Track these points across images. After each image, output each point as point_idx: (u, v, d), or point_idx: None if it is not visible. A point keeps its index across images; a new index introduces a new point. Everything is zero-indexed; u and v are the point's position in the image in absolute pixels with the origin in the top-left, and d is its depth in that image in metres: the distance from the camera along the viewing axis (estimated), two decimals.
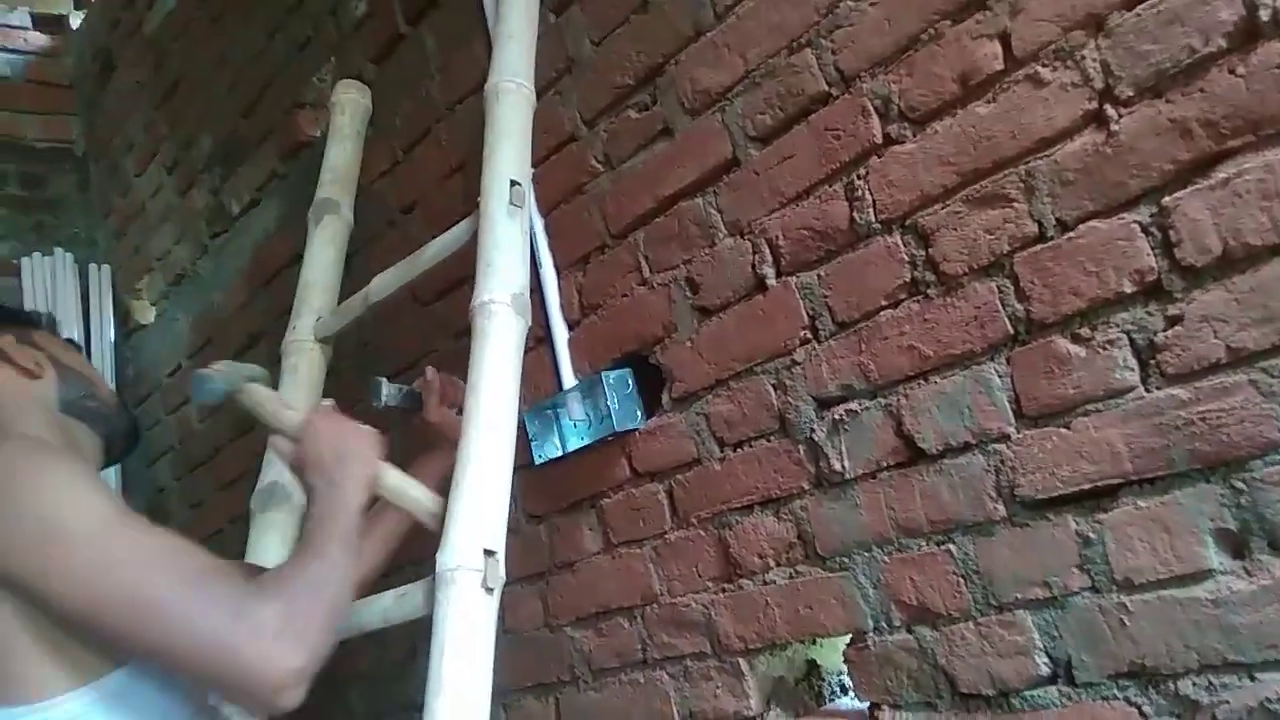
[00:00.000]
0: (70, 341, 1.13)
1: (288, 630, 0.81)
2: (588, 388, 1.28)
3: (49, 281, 2.63)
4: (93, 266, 2.71)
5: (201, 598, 0.81)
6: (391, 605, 1.02)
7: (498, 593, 0.97)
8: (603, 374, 1.26)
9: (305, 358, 1.40)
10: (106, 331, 2.64)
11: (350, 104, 1.63)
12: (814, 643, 1.16)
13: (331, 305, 1.46)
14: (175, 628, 0.80)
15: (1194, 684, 0.81)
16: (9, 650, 0.81)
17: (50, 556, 0.79)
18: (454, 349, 1.54)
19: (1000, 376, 0.92)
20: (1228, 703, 0.79)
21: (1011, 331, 0.91)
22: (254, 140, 2.05)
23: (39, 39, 2.94)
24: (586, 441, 1.28)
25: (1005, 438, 0.92)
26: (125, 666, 0.85)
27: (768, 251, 1.12)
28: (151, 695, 0.86)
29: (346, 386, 1.77)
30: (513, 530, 1.42)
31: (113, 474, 2.47)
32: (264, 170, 2.02)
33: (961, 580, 0.95)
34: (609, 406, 1.23)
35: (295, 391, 1.38)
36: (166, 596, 0.81)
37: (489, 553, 0.96)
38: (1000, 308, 0.92)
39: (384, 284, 1.34)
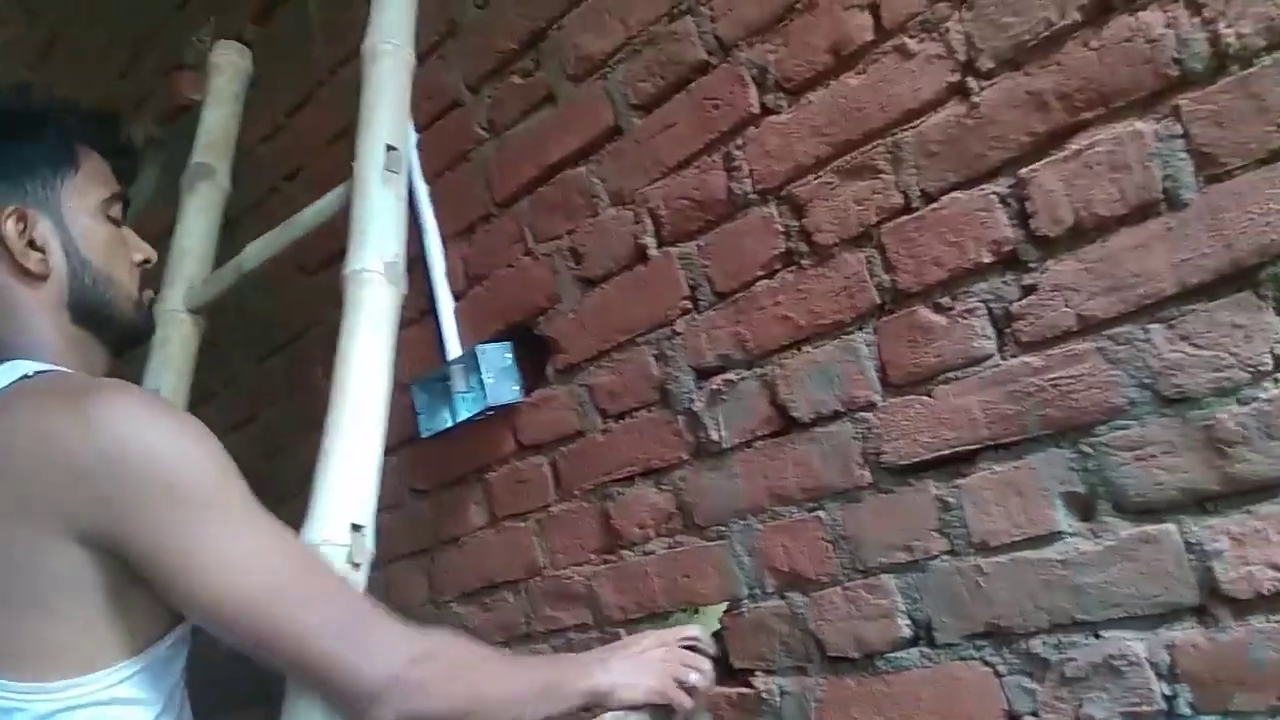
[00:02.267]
0: (119, 176, 0.95)
1: (399, 698, 0.74)
2: (469, 359, 1.26)
3: None
4: None
5: (332, 624, 0.75)
6: None
7: (365, 568, 0.94)
8: (477, 347, 1.24)
9: (177, 329, 1.35)
10: None
11: (229, 65, 1.56)
12: (695, 612, 1.16)
13: (204, 275, 1.40)
14: (296, 642, 0.74)
15: (1044, 643, 0.83)
16: (61, 618, 0.75)
17: (174, 530, 0.73)
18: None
19: (868, 346, 0.93)
20: (1074, 660, 0.81)
21: (879, 301, 0.92)
22: (131, 103, 1.96)
23: None
24: (472, 413, 1.26)
25: (871, 406, 0.93)
26: (171, 634, 0.80)
27: (649, 221, 1.11)
28: (181, 661, 0.82)
29: (224, 359, 1.71)
30: (398, 506, 1.40)
31: None
32: (140, 135, 1.92)
33: (830, 546, 0.97)
34: (483, 380, 1.21)
35: (166, 365, 1.32)
36: (300, 611, 0.74)
37: (356, 527, 0.93)
38: (869, 278, 0.93)
39: (257, 251, 1.30)
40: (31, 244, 0.86)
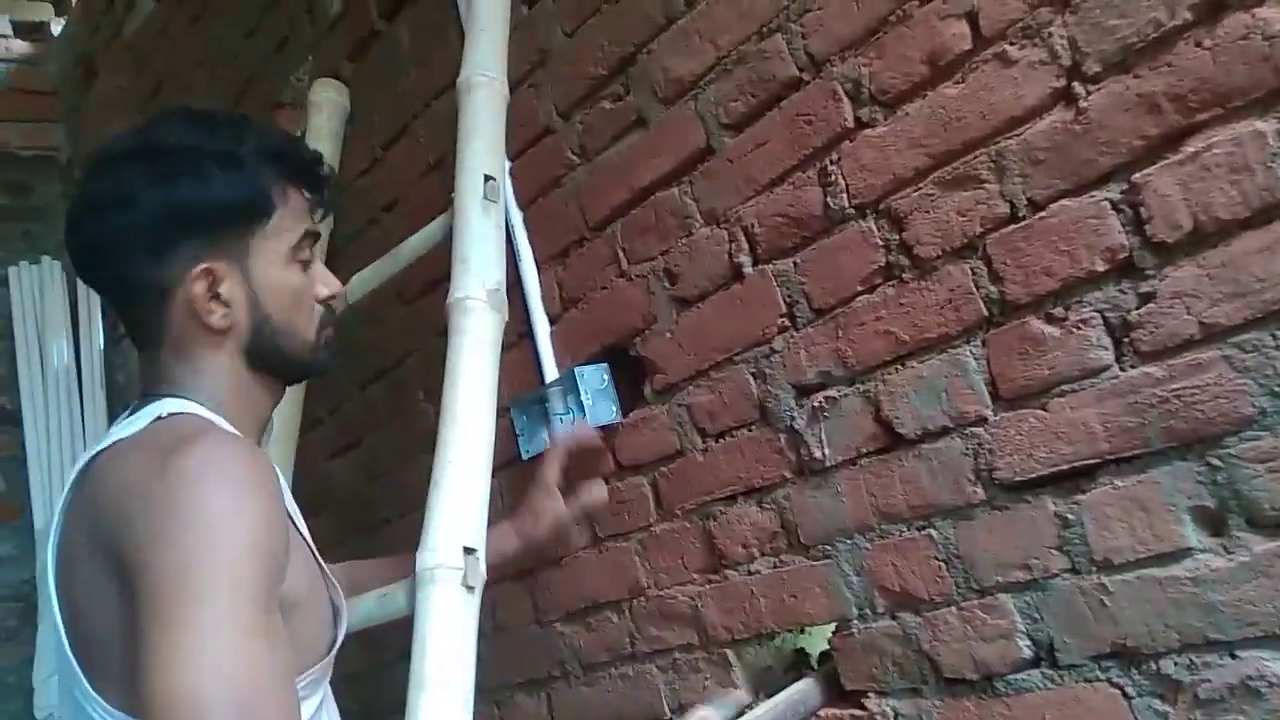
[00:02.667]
0: (318, 211, 0.95)
1: None
2: (566, 382, 1.27)
3: (37, 290, 2.63)
4: None
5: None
6: (374, 607, 1.02)
7: (479, 590, 0.96)
8: (575, 369, 1.25)
9: None
10: (96, 339, 2.64)
11: (328, 103, 1.63)
12: (801, 632, 1.15)
13: None
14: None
15: (1175, 663, 0.80)
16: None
17: (164, 611, 0.69)
18: (437, 346, 1.52)
19: (976, 359, 0.92)
20: (1209, 681, 0.78)
21: (986, 314, 0.91)
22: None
23: (20, 46, 2.93)
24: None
25: (982, 420, 0.91)
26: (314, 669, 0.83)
27: (744, 240, 1.11)
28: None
29: (330, 387, 1.76)
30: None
31: None
32: None
33: (943, 565, 0.95)
34: (582, 402, 1.23)
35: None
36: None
37: (469, 550, 0.95)
38: (974, 290, 0.91)
39: (362, 283, 1.34)
40: (217, 297, 0.87)
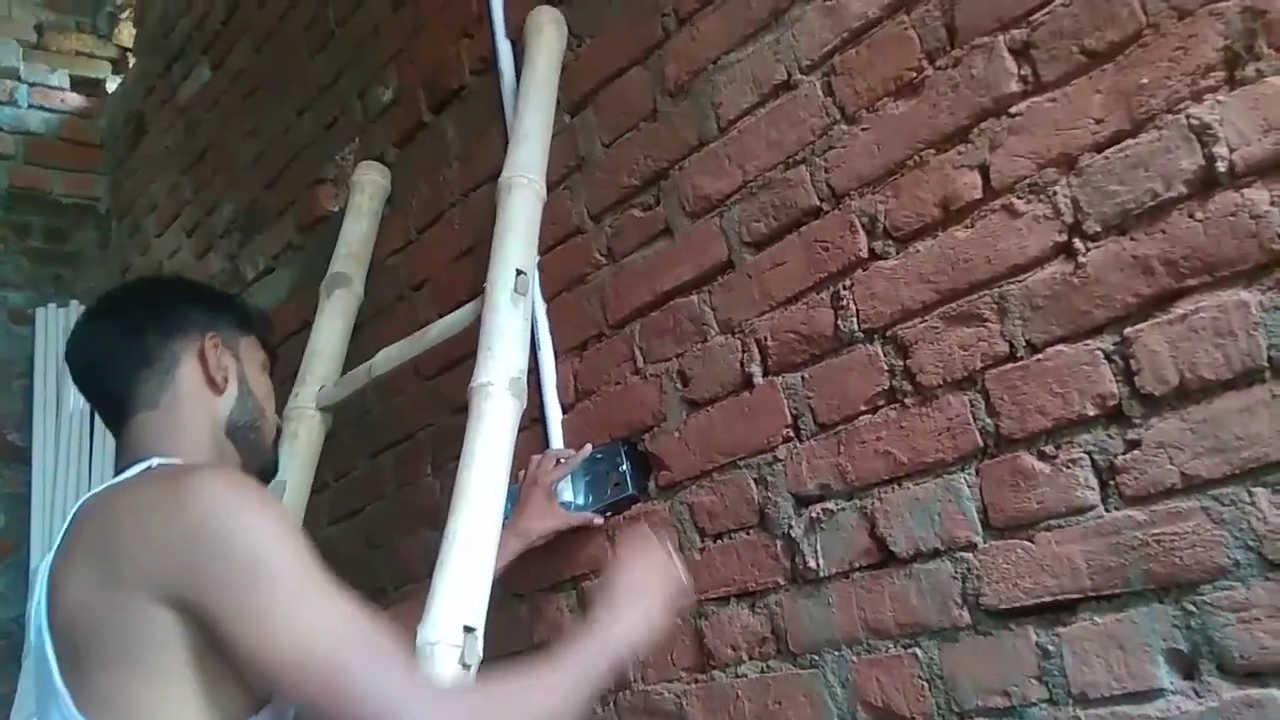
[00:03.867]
0: (270, 356, 1.15)
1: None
2: (585, 464, 1.31)
3: (60, 333, 2.69)
4: None
5: (391, 677, 0.80)
6: None
7: (474, 669, 0.99)
8: (589, 447, 1.30)
9: (305, 424, 1.45)
10: None
11: (370, 184, 1.71)
12: None
13: (335, 376, 1.51)
14: (359, 701, 0.78)
15: None
16: (157, 679, 0.82)
17: (251, 600, 0.79)
18: (451, 424, 1.58)
19: (970, 487, 0.96)
20: None
21: (981, 444, 0.95)
22: (274, 211, 2.13)
23: (75, 99, 3.06)
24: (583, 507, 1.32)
25: (972, 546, 0.95)
26: (261, 714, 0.87)
27: (756, 351, 1.17)
28: None
29: (343, 453, 1.81)
30: (495, 607, 1.44)
31: None
32: (281, 240, 2.09)
33: (926, 685, 0.98)
34: (623, 473, 1.26)
35: (293, 458, 1.42)
36: (361, 669, 0.79)
37: (468, 629, 0.98)
38: (972, 420, 0.96)
39: (388, 358, 1.39)
40: (220, 364, 1.04)
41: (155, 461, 0.95)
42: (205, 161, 2.45)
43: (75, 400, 2.59)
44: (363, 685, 0.78)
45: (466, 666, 0.96)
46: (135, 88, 2.89)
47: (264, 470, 1.11)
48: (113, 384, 1.03)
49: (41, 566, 0.95)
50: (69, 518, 0.94)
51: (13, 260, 2.80)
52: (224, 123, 2.38)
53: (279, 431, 1.14)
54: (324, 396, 1.47)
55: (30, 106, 2.95)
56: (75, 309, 2.75)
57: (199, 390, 1.03)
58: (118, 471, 0.98)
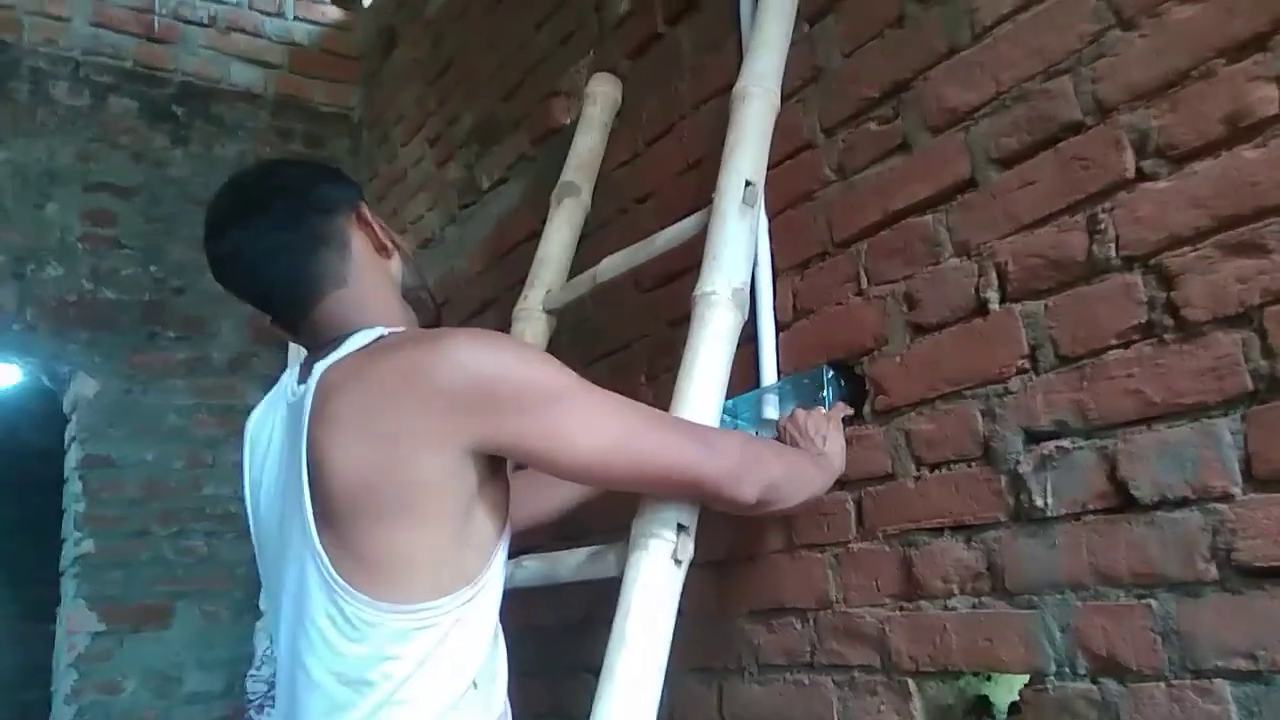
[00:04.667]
0: None
1: (746, 473, 1.04)
2: (793, 385, 1.30)
3: None
4: None
5: (685, 440, 1.02)
6: (584, 562, 1.10)
7: (685, 566, 1.02)
8: (824, 367, 1.28)
9: (532, 325, 1.51)
10: None
11: (602, 96, 1.73)
12: (988, 679, 1.14)
13: (561, 281, 1.56)
14: (669, 459, 0.99)
15: None
16: (428, 526, 0.92)
17: (550, 418, 0.94)
18: (666, 336, 1.61)
19: (1233, 434, 0.88)
20: None
21: (1251, 388, 0.87)
22: (510, 123, 2.21)
23: (335, 13, 3.26)
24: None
25: (1228, 498, 0.87)
26: (484, 574, 0.96)
27: (994, 275, 1.10)
28: (490, 601, 0.98)
29: (563, 356, 1.87)
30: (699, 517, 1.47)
31: None
32: (515, 151, 2.17)
33: (1159, 638, 0.91)
34: (823, 398, 1.25)
35: None
36: (652, 446, 0.99)
37: (682, 527, 1.01)
38: (1243, 361, 0.87)
39: (612, 265, 1.42)
40: (381, 229, 1.09)
41: (384, 331, 0.99)
42: (449, 74, 2.57)
43: None
44: (666, 455, 0.99)
45: (679, 562, 0.99)
46: (388, 2, 3.05)
47: (435, 322, 1.16)
48: (291, 273, 1.03)
49: (266, 448, 1.04)
50: (293, 386, 1.00)
51: None
52: (468, 36, 2.47)
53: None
54: (550, 300, 1.52)
55: (295, 19, 3.17)
56: None
57: (373, 259, 1.07)
58: (320, 346, 1.01)
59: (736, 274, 1.16)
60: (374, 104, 3.11)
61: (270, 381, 2.89)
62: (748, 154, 1.22)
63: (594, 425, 0.96)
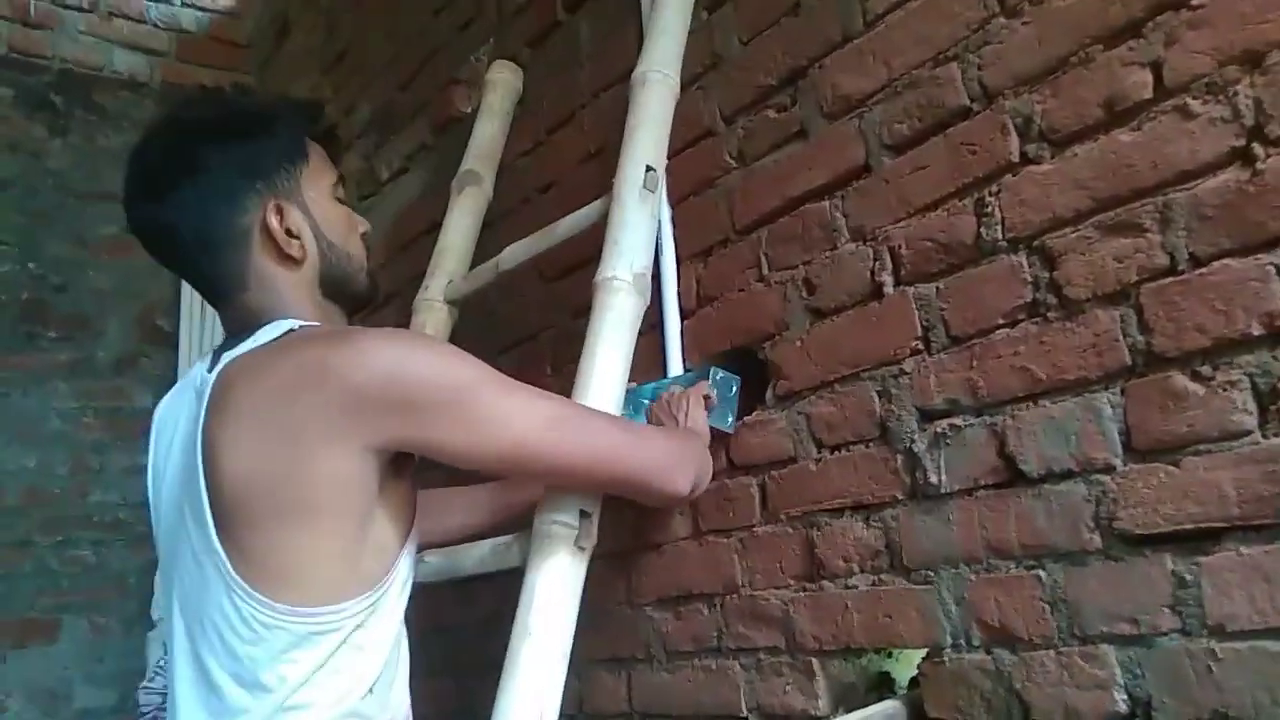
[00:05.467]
0: (337, 163, 1.10)
1: (675, 463, 1.08)
2: (693, 380, 1.31)
3: None
4: None
5: (609, 430, 1.02)
6: (487, 554, 1.08)
7: (588, 554, 1.01)
8: (712, 368, 1.28)
9: (433, 316, 1.48)
10: None
11: (503, 84, 1.71)
12: (889, 655, 1.16)
13: (463, 271, 1.53)
14: (600, 453, 1.00)
15: None
16: (325, 528, 0.89)
17: (461, 414, 0.91)
18: (571, 327, 1.59)
19: (1113, 407, 0.91)
20: None
21: (1130, 363, 0.90)
22: (408, 112, 2.16)
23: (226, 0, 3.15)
24: None
25: (1110, 469, 0.91)
26: (387, 580, 0.94)
27: (889, 259, 1.13)
28: (404, 606, 0.97)
29: (467, 349, 1.84)
30: (607, 507, 1.46)
31: None
32: (415, 141, 2.12)
33: (1048, 607, 0.94)
34: (718, 394, 1.26)
35: None
36: (583, 424, 0.99)
37: (585, 514, 1.00)
38: (1121, 337, 0.91)
39: (514, 254, 1.40)
40: (289, 232, 1.00)
41: (295, 324, 0.96)
42: (344, 62, 2.50)
43: None
44: (582, 448, 0.98)
45: (581, 549, 0.98)
46: None
47: (369, 300, 1.11)
48: (193, 270, 1.01)
49: (171, 437, 0.99)
50: (200, 377, 0.96)
51: None
52: (363, 23, 2.41)
53: (369, 252, 1.11)
54: (451, 290, 1.50)
55: (183, 4, 3.05)
56: None
57: (279, 264, 1.00)
58: (233, 334, 0.99)
59: (638, 259, 1.15)
60: (267, 92, 3.00)
61: (161, 382, 2.77)
62: (648, 139, 1.22)
63: (514, 418, 0.94)
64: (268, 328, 0.96)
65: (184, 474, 0.95)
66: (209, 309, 2.62)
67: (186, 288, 2.72)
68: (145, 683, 2.18)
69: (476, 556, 1.07)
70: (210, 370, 0.96)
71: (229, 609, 0.88)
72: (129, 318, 2.75)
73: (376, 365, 0.88)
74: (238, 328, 0.99)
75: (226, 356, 0.95)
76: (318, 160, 1.06)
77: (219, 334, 2.66)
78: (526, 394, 0.97)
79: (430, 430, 0.91)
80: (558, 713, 0.93)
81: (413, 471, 1.01)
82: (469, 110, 1.92)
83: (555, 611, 0.93)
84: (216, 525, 0.89)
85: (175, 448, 0.99)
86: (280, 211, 0.99)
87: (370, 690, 0.92)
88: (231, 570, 0.88)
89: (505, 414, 0.94)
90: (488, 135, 1.64)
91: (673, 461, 1.07)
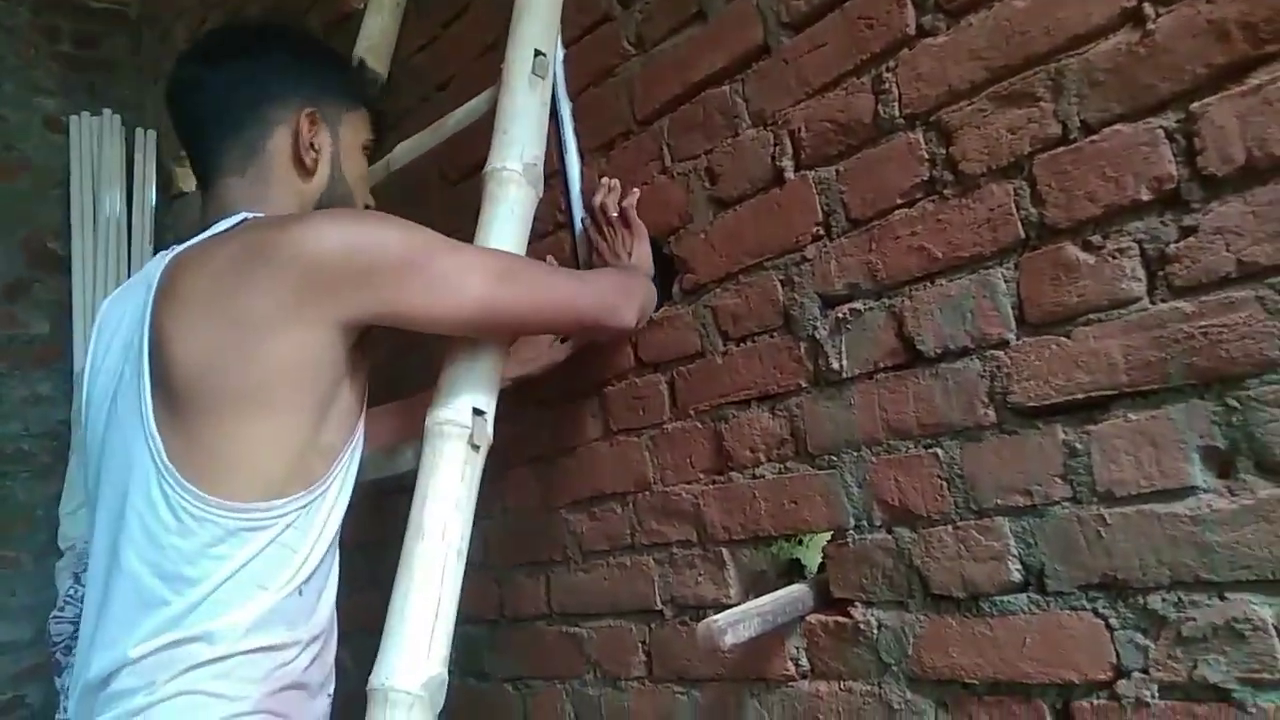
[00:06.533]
0: (378, 134, 1.15)
1: (621, 300, 1.11)
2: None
3: (95, 142, 2.66)
4: (139, 130, 2.73)
5: (556, 277, 1.06)
6: (383, 460, 1.05)
7: (484, 451, 0.98)
8: None
9: None
10: (149, 196, 2.68)
11: None
12: (799, 543, 1.17)
13: None
14: (554, 300, 1.02)
15: (1163, 599, 0.80)
16: (266, 447, 0.87)
17: (421, 279, 0.92)
18: (474, 229, 1.54)
19: (1006, 282, 0.90)
20: (1194, 619, 0.78)
21: (1023, 236, 0.89)
22: (299, 10, 2.04)
23: None
24: None
25: (1004, 344, 0.90)
26: (326, 480, 0.92)
27: (789, 143, 1.10)
28: (328, 511, 0.94)
29: None
30: (519, 414, 1.44)
31: None
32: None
33: (945, 484, 0.95)
34: None
35: None
36: (532, 273, 1.02)
37: (478, 412, 0.97)
38: (1015, 211, 0.90)
39: (405, 151, 1.34)
40: (311, 145, 1.02)
41: (247, 215, 0.95)
42: None
43: (112, 208, 2.60)
44: (538, 295, 1.00)
45: (476, 447, 0.95)
46: None
47: None
48: (200, 142, 1.02)
49: (113, 332, 0.96)
50: (155, 271, 0.94)
51: (43, 65, 2.75)
52: None
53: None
54: None
55: None
56: (109, 117, 2.72)
57: (286, 167, 1.02)
58: (204, 228, 0.98)
59: (529, 148, 1.10)
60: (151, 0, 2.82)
61: (56, 307, 2.65)
62: (536, 22, 1.16)
63: (468, 274, 0.95)
64: (224, 220, 0.96)
65: (123, 365, 0.93)
66: (100, 230, 2.50)
67: (76, 208, 2.59)
68: (55, 612, 2.14)
69: (372, 465, 1.04)
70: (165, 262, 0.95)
71: (157, 497, 0.85)
72: (17, 242, 2.61)
73: (332, 239, 0.88)
74: (207, 219, 0.99)
75: (182, 246, 0.95)
76: (364, 118, 1.12)
77: (118, 256, 2.56)
78: (475, 252, 1.01)
79: (398, 296, 0.91)
80: (454, 611, 0.91)
81: (366, 373, 1.00)
82: (361, 6, 1.82)
83: (447, 509, 0.91)
84: (156, 413, 0.87)
85: (116, 341, 0.97)
86: (313, 122, 1.03)
87: (299, 592, 0.90)
88: (165, 458, 0.85)
89: (462, 274, 0.95)
90: (378, 28, 1.55)
91: (618, 298, 1.11)
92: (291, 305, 0.86)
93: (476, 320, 0.98)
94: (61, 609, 2.12)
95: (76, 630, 2.12)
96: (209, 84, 1.02)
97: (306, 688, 0.91)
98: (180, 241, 0.98)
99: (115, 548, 0.88)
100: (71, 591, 2.12)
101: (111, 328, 0.99)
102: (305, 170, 1.03)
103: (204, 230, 0.96)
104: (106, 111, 2.72)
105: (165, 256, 0.97)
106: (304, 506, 0.90)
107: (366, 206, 1.11)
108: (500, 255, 1.05)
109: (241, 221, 0.95)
